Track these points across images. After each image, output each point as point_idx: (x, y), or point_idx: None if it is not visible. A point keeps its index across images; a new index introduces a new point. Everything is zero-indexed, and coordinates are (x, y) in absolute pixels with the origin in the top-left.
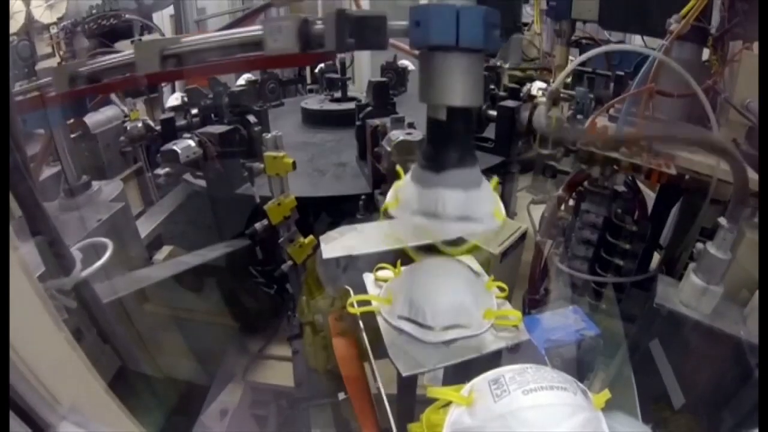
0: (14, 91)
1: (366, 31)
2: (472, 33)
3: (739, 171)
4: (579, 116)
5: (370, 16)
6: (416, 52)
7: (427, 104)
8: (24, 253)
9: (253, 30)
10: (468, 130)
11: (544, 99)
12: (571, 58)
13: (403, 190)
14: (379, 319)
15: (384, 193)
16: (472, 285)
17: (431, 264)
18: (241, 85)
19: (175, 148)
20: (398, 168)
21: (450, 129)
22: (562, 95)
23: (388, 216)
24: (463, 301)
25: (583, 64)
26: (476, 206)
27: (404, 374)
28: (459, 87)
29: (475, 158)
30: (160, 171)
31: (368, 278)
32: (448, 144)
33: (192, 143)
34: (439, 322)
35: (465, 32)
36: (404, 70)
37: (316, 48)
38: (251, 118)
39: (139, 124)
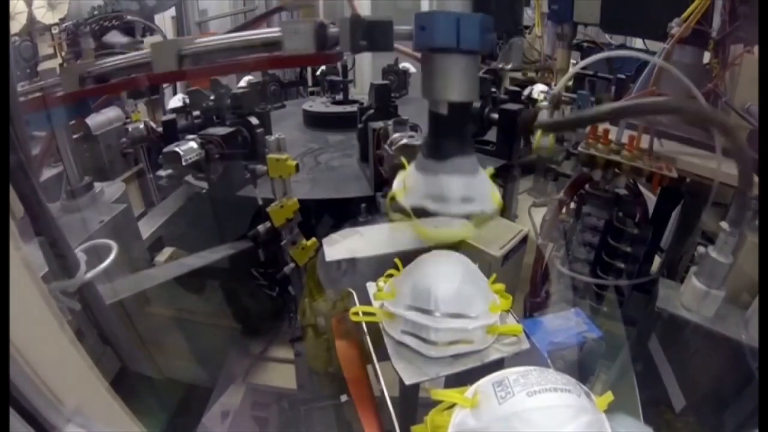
0: (18, 92)
1: (375, 34)
2: (471, 37)
3: (736, 140)
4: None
5: (379, 21)
6: (418, 54)
7: (429, 100)
8: (28, 254)
9: (271, 31)
10: (466, 123)
11: (546, 103)
12: (572, 61)
13: (409, 179)
14: (383, 333)
15: (386, 196)
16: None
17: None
18: (243, 87)
19: (177, 149)
20: (403, 159)
21: (450, 121)
22: (563, 98)
23: (395, 205)
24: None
25: (584, 67)
26: (476, 190)
27: (407, 383)
28: (458, 84)
29: (472, 147)
30: (162, 173)
31: (371, 288)
32: (449, 135)
33: (194, 145)
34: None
35: (465, 36)
36: (405, 73)
37: (330, 49)
38: (253, 120)
39: (141, 126)
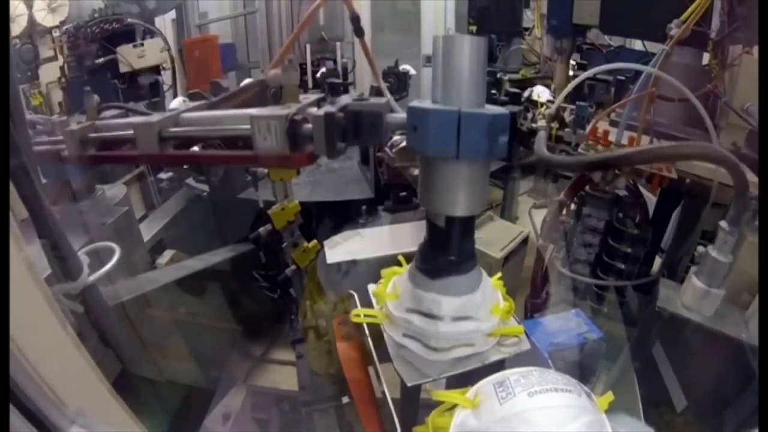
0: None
1: (362, 129)
2: (475, 144)
3: (740, 177)
4: (580, 131)
5: (366, 112)
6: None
7: (426, 209)
8: (30, 256)
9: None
10: (467, 236)
11: (544, 123)
12: (572, 62)
13: (400, 285)
14: (385, 335)
15: (387, 210)
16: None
17: None
18: None
19: None
20: (400, 257)
21: (448, 237)
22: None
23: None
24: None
25: (584, 68)
26: (473, 308)
27: (409, 384)
28: (458, 197)
29: (474, 262)
30: (164, 175)
31: (372, 290)
32: (445, 251)
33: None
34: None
35: (467, 143)
36: (405, 75)
37: (307, 146)
38: None
39: None
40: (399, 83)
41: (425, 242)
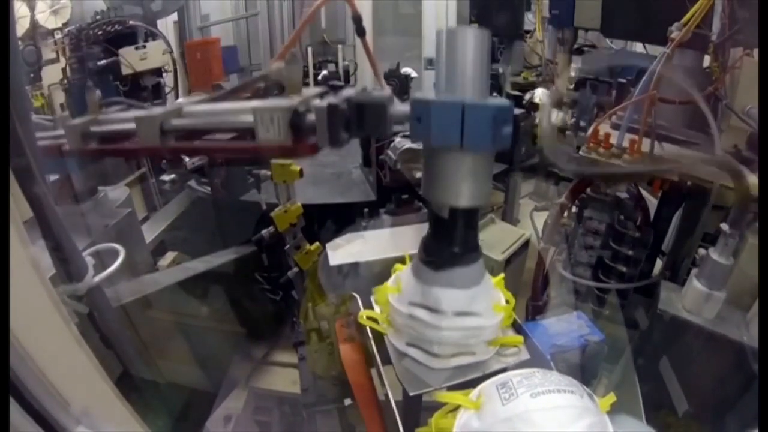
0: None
1: (365, 120)
2: (479, 134)
3: (740, 179)
4: (582, 123)
5: (369, 103)
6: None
7: (429, 200)
8: (37, 257)
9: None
10: (471, 228)
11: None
12: (573, 65)
13: (404, 279)
14: (387, 344)
15: (389, 212)
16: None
17: None
18: None
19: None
20: (406, 255)
21: (452, 228)
22: (564, 100)
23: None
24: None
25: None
26: (476, 303)
27: (411, 393)
28: (463, 188)
29: (477, 255)
30: (166, 177)
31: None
32: (449, 243)
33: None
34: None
35: (470, 133)
36: (407, 78)
37: (310, 137)
38: None
39: None
40: (401, 86)
41: (429, 235)
